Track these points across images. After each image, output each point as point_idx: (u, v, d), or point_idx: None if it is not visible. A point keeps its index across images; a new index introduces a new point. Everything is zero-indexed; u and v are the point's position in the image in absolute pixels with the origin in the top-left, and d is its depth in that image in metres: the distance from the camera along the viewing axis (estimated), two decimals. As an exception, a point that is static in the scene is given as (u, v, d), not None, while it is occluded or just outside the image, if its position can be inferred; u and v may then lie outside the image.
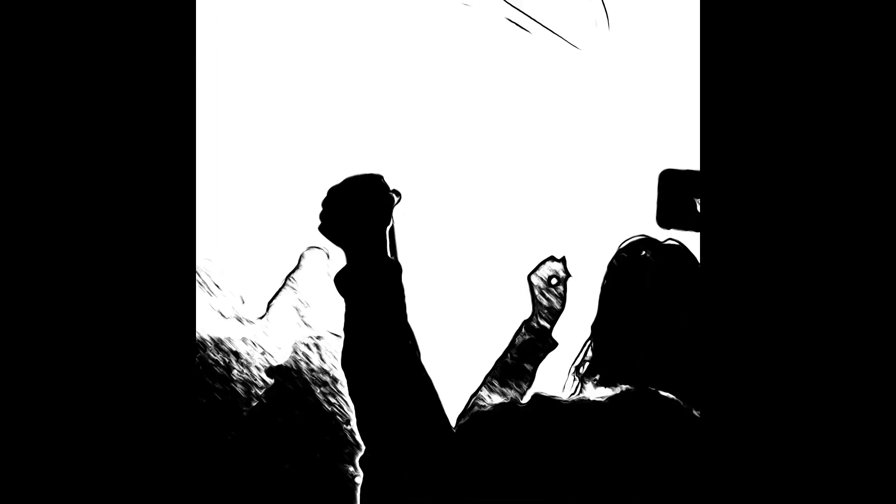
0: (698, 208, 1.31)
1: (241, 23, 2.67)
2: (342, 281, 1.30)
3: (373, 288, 1.28)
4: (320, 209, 1.31)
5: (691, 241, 1.44)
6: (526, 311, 1.87)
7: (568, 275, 1.84)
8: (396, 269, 1.30)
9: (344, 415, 1.47)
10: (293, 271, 1.54)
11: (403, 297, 1.29)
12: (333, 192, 1.32)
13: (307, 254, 1.59)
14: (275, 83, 2.70)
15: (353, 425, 1.28)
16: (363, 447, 1.25)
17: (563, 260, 1.86)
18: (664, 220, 1.34)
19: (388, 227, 1.32)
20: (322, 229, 1.32)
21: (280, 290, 1.53)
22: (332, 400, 1.53)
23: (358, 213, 1.30)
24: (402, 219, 1.35)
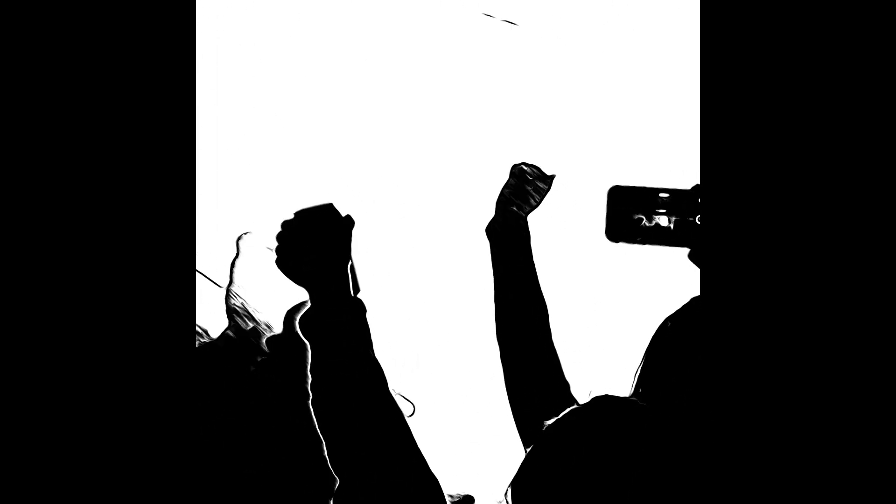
0: (646, 223, 1.38)
1: (241, 23, 2.66)
2: (307, 325, 1.28)
3: (338, 331, 1.26)
4: (275, 244, 1.29)
5: (642, 254, 1.49)
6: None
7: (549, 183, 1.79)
8: (360, 308, 1.28)
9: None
10: (234, 260, 1.52)
11: (369, 334, 1.28)
12: (287, 227, 1.30)
13: (242, 242, 1.57)
14: (273, 83, 2.70)
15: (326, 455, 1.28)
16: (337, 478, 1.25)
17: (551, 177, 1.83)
18: (613, 233, 1.41)
19: (349, 263, 1.30)
20: (280, 266, 1.30)
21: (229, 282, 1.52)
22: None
23: (316, 251, 1.27)
24: (359, 250, 1.35)
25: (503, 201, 1.77)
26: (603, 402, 1.20)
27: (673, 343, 1.48)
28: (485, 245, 1.80)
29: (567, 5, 2.69)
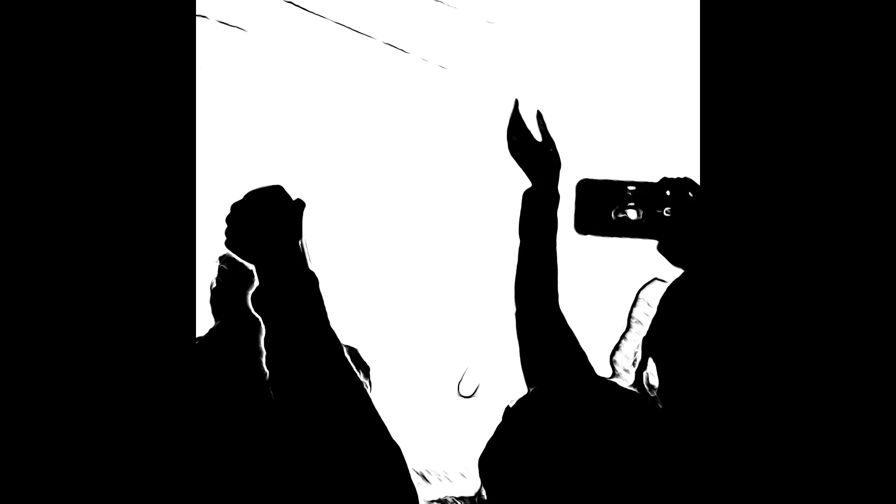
0: (614, 215, 1.40)
1: (242, 22, 2.67)
2: (258, 300, 1.28)
3: (290, 304, 1.26)
4: (224, 225, 1.30)
5: (611, 246, 1.52)
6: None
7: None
8: (313, 280, 1.29)
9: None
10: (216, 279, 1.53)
11: (323, 307, 1.28)
12: (236, 207, 1.30)
13: (221, 263, 1.58)
14: (274, 82, 2.70)
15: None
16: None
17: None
18: (581, 226, 1.44)
19: (300, 239, 1.31)
20: (229, 245, 1.31)
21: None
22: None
23: (264, 229, 1.28)
24: (314, 228, 1.36)
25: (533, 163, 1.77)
26: (571, 383, 1.21)
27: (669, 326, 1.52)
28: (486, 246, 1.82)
29: (566, 5, 2.69)
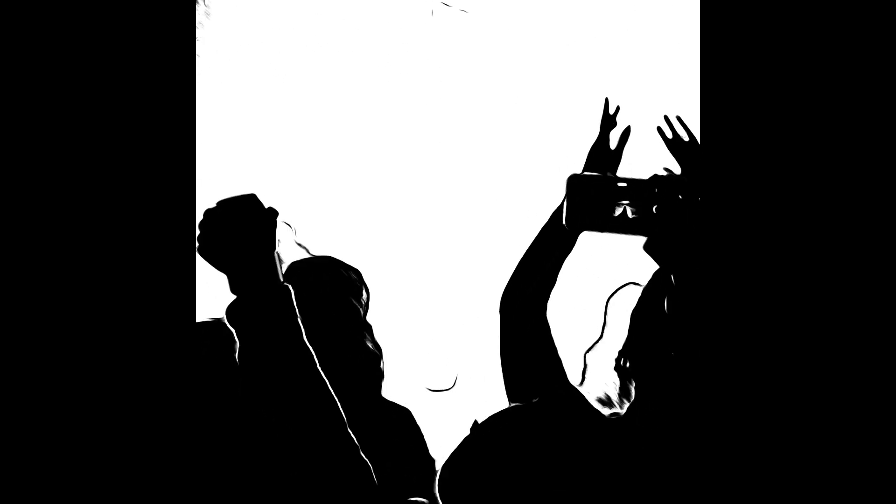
0: (605, 212, 1.42)
1: (241, 23, 2.66)
2: (233, 314, 1.28)
3: (262, 318, 1.26)
4: (197, 232, 1.29)
5: (604, 242, 1.53)
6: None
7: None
8: (286, 294, 1.28)
9: None
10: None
11: (296, 319, 1.27)
12: (209, 214, 1.29)
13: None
14: (273, 82, 2.70)
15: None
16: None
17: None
18: (572, 221, 1.45)
19: (273, 250, 1.30)
20: (201, 252, 1.30)
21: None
22: None
23: (238, 239, 1.27)
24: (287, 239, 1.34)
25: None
26: (541, 403, 1.21)
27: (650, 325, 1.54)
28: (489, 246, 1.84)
29: (565, 6, 2.69)
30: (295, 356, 1.26)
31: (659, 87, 2.66)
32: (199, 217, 1.30)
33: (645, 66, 2.70)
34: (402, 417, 1.88)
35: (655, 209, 1.40)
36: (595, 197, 1.43)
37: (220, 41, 2.63)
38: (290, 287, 1.29)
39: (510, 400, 1.78)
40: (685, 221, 1.35)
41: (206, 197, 1.33)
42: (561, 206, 1.73)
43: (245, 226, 1.28)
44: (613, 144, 1.93)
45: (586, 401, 1.60)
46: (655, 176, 1.43)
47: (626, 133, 1.93)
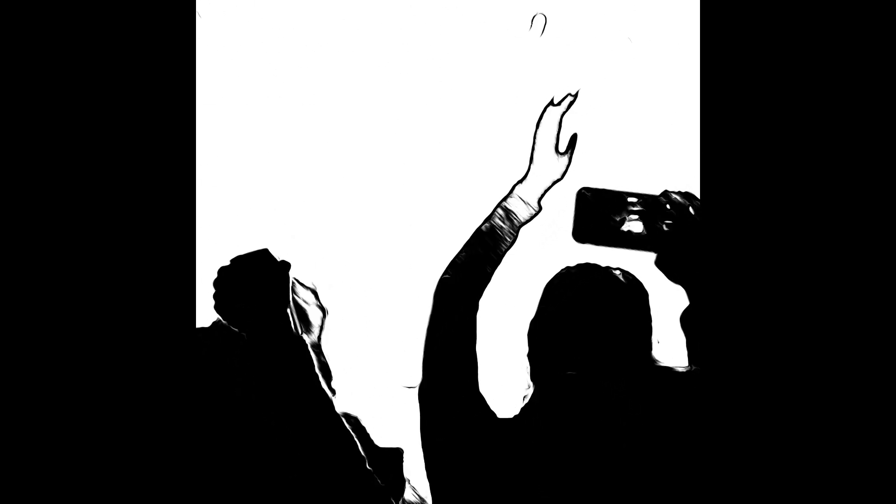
0: (614, 226, 1.42)
1: (242, 22, 2.66)
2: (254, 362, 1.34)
3: (281, 372, 1.31)
4: (213, 290, 1.33)
5: (608, 256, 1.54)
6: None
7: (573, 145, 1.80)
8: (301, 346, 1.33)
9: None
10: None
11: (313, 369, 1.33)
12: (223, 272, 1.33)
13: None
14: (272, 82, 2.70)
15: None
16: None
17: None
18: (580, 234, 1.44)
19: (287, 305, 1.34)
20: (217, 310, 1.34)
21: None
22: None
23: (251, 295, 1.31)
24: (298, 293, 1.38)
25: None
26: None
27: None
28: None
29: (564, 6, 2.69)
30: (313, 407, 1.31)
31: (659, 87, 2.66)
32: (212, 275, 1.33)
33: (645, 66, 2.70)
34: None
35: (666, 225, 1.39)
36: (604, 211, 1.42)
37: (220, 41, 2.63)
38: (305, 338, 1.34)
39: (421, 391, 1.77)
40: (697, 237, 1.34)
41: (206, 197, 1.33)
42: (505, 199, 1.72)
43: (258, 283, 1.31)
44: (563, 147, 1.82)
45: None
46: (667, 191, 1.42)
47: (574, 140, 1.81)
